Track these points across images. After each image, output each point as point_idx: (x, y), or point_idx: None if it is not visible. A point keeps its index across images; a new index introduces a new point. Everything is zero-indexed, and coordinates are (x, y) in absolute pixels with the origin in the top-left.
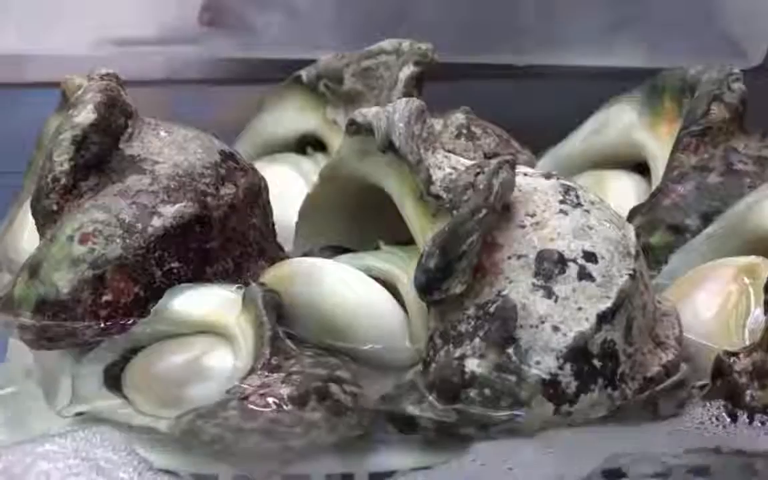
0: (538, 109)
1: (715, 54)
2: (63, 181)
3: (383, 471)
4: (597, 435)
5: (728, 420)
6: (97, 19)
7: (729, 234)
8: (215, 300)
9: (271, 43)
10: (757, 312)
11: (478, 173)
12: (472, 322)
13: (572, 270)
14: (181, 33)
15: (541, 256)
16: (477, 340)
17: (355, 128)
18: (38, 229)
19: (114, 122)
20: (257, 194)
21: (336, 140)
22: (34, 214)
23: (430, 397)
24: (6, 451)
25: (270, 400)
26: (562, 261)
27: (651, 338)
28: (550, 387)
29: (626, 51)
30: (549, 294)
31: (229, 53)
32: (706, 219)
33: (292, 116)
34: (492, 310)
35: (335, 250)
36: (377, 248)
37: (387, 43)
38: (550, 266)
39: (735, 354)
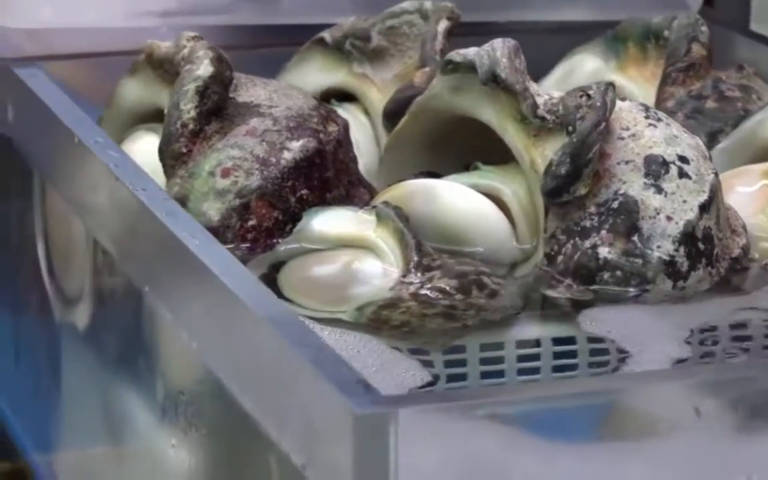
0: None
1: (658, 5)
2: (191, 126)
3: (563, 336)
4: (705, 305)
5: None
6: None
7: (743, 146)
8: (349, 218)
9: (292, 9)
10: None
11: (581, 96)
12: (596, 218)
13: (673, 170)
14: (213, 4)
15: (648, 160)
16: (603, 232)
17: (452, 67)
18: (166, 171)
19: (225, 75)
20: (348, 132)
21: (368, 89)
22: (162, 158)
23: (566, 281)
24: None
25: (440, 291)
26: (664, 163)
27: (729, 226)
28: (670, 266)
29: (578, 6)
30: (659, 190)
31: (255, 21)
32: (712, 138)
33: (316, 74)
34: (615, 206)
35: (428, 176)
36: (476, 169)
37: (408, 4)
38: (657, 167)
39: None
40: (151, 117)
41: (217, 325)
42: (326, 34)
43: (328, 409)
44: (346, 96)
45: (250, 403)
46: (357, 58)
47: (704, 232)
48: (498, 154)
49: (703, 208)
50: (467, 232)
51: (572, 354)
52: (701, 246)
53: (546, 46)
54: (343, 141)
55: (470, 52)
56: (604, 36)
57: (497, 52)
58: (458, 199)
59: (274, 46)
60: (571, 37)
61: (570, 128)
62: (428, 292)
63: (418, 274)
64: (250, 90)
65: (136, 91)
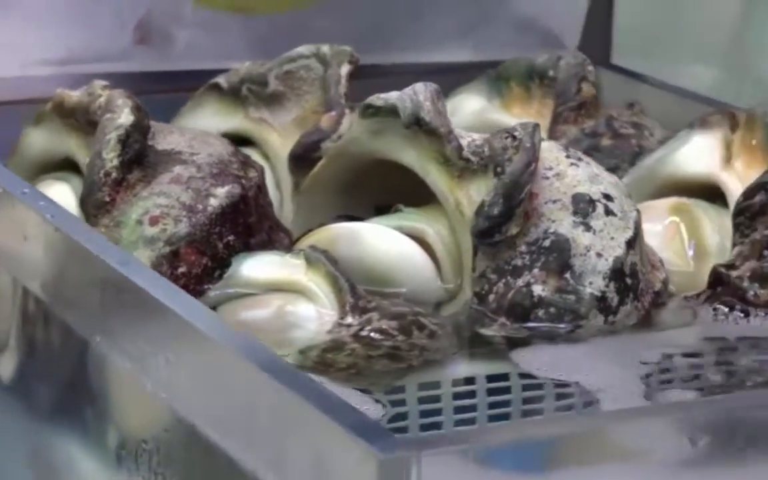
0: None
1: (535, 45)
2: (114, 175)
3: (497, 373)
4: (635, 339)
5: (741, 315)
6: (33, 39)
7: (643, 183)
8: (277, 262)
9: (185, 55)
10: (692, 243)
11: (507, 137)
12: (527, 257)
13: (600, 208)
14: (107, 51)
15: (576, 199)
16: (536, 270)
17: (373, 111)
18: (89, 221)
19: (144, 123)
20: (264, 177)
21: (267, 133)
22: (84, 208)
23: (500, 320)
24: None
25: (381, 332)
26: (591, 202)
27: (649, 261)
28: (601, 302)
29: (461, 48)
30: (588, 228)
31: (150, 67)
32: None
33: (211, 119)
34: (547, 244)
35: (347, 219)
36: (398, 211)
37: (304, 49)
38: (584, 206)
39: (731, 266)
40: (58, 166)
41: (195, 373)
42: (221, 80)
43: (346, 455)
44: (241, 140)
45: (237, 450)
46: (253, 102)
47: (631, 267)
48: (414, 196)
49: (629, 244)
50: (393, 273)
51: (507, 390)
52: (629, 281)
53: None
54: (262, 186)
55: (392, 96)
56: (486, 75)
57: (420, 95)
58: (383, 242)
59: (167, 92)
60: (455, 77)
61: (498, 169)
62: (370, 334)
63: (356, 317)
64: (168, 137)
65: (41, 140)
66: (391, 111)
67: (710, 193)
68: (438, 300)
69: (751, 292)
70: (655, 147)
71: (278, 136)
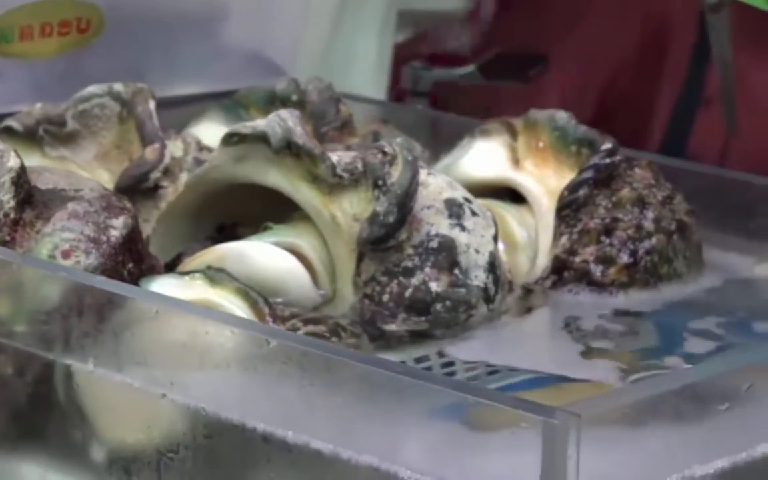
0: None
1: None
2: (12, 215)
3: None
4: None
5: (596, 292)
6: None
7: None
8: (182, 284)
9: None
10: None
11: (377, 152)
12: (416, 258)
13: (466, 209)
14: None
15: (448, 203)
16: (427, 268)
17: (238, 138)
18: None
19: (24, 165)
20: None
21: (69, 167)
22: None
23: (401, 315)
24: None
25: (316, 336)
26: (460, 205)
27: None
28: (484, 292)
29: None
30: (463, 228)
31: None
32: None
33: None
34: (434, 245)
35: (213, 240)
36: (268, 228)
37: (95, 88)
38: (456, 209)
39: (572, 252)
40: None
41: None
42: (13, 123)
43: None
44: None
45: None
46: (49, 142)
47: (498, 260)
48: (256, 213)
49: (495, 239)
50: (277, 285)
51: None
52: (498, 272)
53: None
54: (137, 218)
55: (260, 124)
56: (220, 104)
57: (289, 121)
58: (267, 258)
59: None
60: (188, 109)
61: (380, 182)
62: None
63: (279, 325)
64: (43, 177)
65: None
66: (260, 137)
67: (495, 194)
68: (314, 305)
69: (598, 273)
70: None
71: (83, 172)
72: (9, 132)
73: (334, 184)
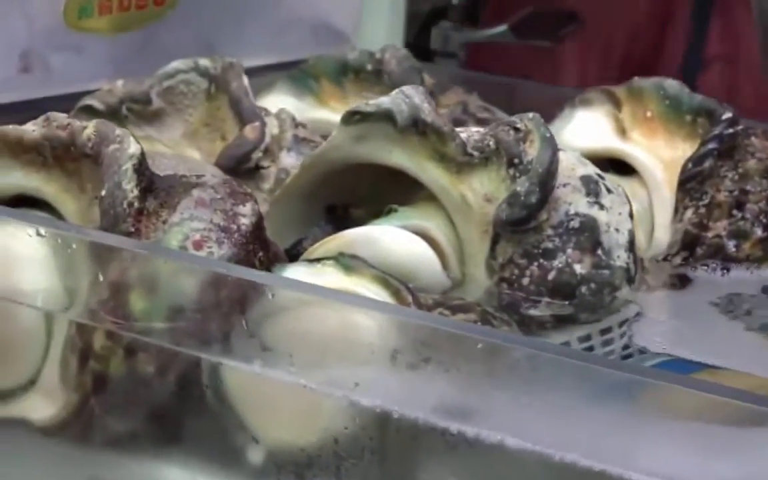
0: None
1: (328, 42)
2: (136, 205)
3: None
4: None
5: (732, 268)
6: None
7: None
8: (313, 272)
9: (63, 80)
10: None
11: (510, 129)
12: (557, 239)
13: (602, 186)
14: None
15: (584, 180)
16: (570, 250)
17: (360, 117)
18: None
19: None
20: None
21: (155, 146)
22: None
23: (545, 300)
24: None
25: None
26: (594, 182)
27: None
28: (627, 273)
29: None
30: (601, 207)
31: (34, 95)
32: None
33: None
34: (576, 225)
35: (327, 223)
36: (392, 211)
37: (180, 63)
38: (593, 186)
39: (702, 226)
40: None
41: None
42: (93, 101)
43: None
44: None
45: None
46: (133, 121)
47: (635, 238)
48: (370, 195)
49: (630, 216)
50: (408, 271)
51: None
52: (635, 251)
53: None
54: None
55: (384, 101)
56: (288, 75)
57: (415, 98)
58: (398, 242)
59: None
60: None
61: (516, 160)
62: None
63: (426, 310)
64: (157, 162)
65: None
66: (384, 116)
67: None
68: (444, 290)
69: (732, 248)
70: None
71: (171, 152)
72: (89, 110)
73: (463, 163)
